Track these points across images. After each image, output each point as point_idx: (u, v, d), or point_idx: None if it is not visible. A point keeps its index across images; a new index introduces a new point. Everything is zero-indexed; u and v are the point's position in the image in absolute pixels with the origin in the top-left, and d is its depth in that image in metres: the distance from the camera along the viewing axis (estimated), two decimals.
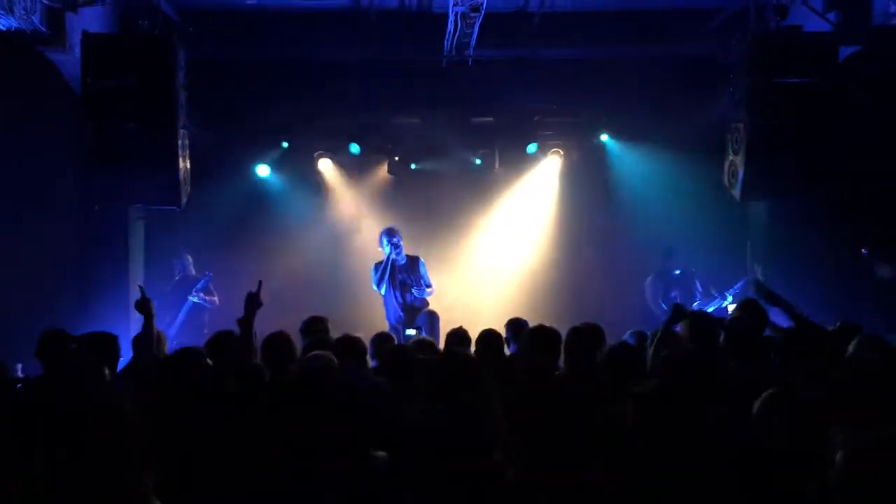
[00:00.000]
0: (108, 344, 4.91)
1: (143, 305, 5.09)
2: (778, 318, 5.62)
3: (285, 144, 10.32)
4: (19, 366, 5.14)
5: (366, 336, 5.46)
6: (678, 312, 5.02)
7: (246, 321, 4.86)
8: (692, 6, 8.60)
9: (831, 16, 7.72)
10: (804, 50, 7.52)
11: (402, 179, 10.65)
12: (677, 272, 9.11)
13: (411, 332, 8.27)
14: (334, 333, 5.57)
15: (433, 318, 8.32)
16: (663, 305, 8.96)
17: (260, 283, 5.08)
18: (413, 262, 8.75)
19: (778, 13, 7.69)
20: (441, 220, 10.57)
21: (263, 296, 5.03)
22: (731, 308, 6.99)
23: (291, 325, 5.37)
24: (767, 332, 5.36)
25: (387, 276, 8.59)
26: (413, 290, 8.60)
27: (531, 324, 5.82)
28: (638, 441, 3.08)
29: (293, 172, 10.59)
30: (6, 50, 6.97)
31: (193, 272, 9.32)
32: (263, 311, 5.09)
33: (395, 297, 8.67)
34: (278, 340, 4.76)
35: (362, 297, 9.65)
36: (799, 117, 7.51)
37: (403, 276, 8.67)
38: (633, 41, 8.76)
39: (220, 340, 4.80)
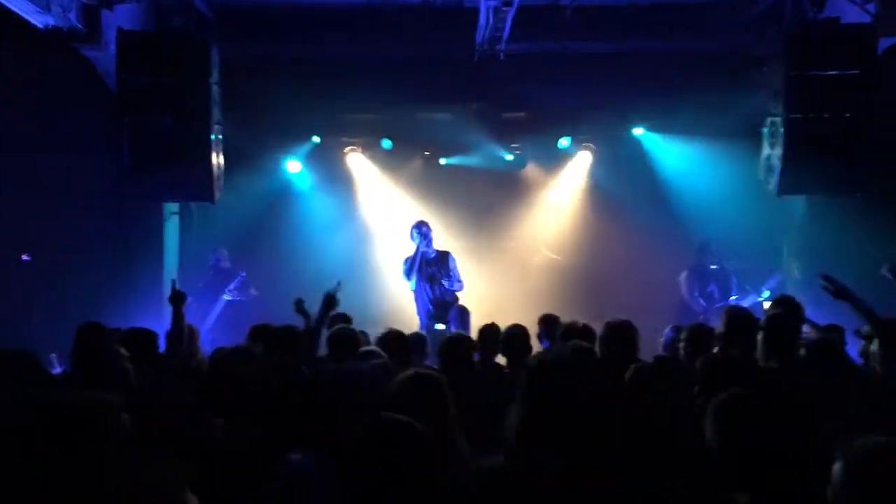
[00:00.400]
0: (148, 340, 4.95)
1: (176, 299, 5.15)
2: (814, 315, 5.54)
3: (316, 139, 10.36)
4: (54, 356, 5.20)
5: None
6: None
7: (320, 318, 5.06)
8: None
9: (870, 7, 7.56)
10: (842, 42, 7.37)
11: (432, 175, 10.65)
12: (713, 267, 9.01)
13: (440, 326, 8.29)
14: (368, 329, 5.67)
15: (464, 313, 8.30)
16: (701, 301, 8.88)
17: (339, 282, 5.26)
18: (443, 256, 8.74)
19: (815, 4, 7.56)
20: (472, 215, 10.56)
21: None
22: (766, 305, 6.87)
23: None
24: (805, 330, 5.28)
25: (416, 268, 8.59)
26: (443, 282, 8.58)
27: (563, 319, 5.83)
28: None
29: (324, 168, 10.65)
30: (43, 47, 7.07)
31: (229, 265, 9.41)
32: (289, 307, 5.21)
33: (425, 290, 8.66)
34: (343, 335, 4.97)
35: (393, 292, 9.67)
36: (837, 111, 7.38)
37: (433, 270, 8.66)
38: (667, 34, 8.64)
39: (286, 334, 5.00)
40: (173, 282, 5.42)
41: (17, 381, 3.63)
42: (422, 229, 8.66)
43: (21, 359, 4.16)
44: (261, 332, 5.21)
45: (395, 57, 9.13)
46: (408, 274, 8.67)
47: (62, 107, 7.82)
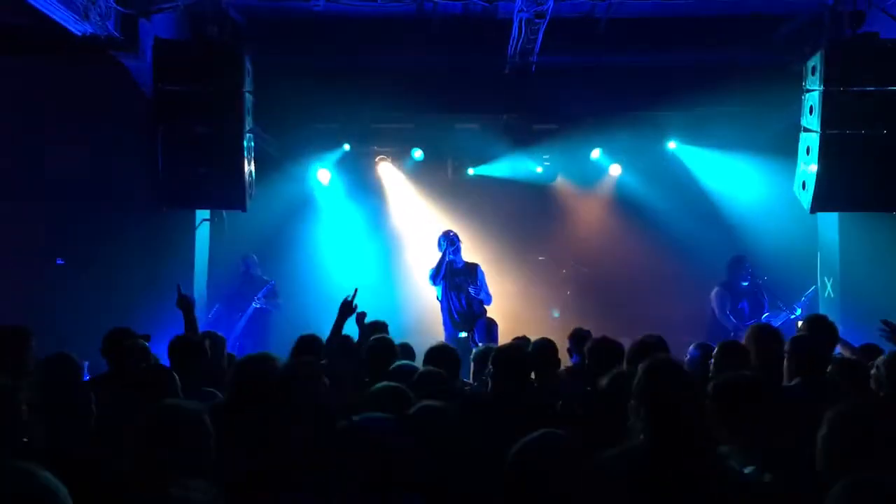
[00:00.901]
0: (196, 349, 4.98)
1: (182, 305, 5.19)
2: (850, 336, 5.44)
3: (347, 147, 10.42)
4: (87, 364, 5.24)
5: (422, 341, 5.52)
6: None
7: (336, 325, 5.11)
8: (764, 12, 8.38)
9: None
10: (881, 57, 7.26)
11: (461, 185, 10.65)
12: (745, 283, 8.88)
13: (463, 334, 8.28)
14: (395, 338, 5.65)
15: (491, 325, 8.28)
16: (731, 318, 8.75)
17: (356, 290, 5.33)
18: (472, 268, 8.72)
19: (854, 19, 7.45)
20: (501, 226, 10.54)
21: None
22: (800, 323, 6.77)
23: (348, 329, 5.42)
24: (838, 351, 5.18)
25: (441, 275, 8.57)
26: (469, 289, 8.54)
27: (594, 334, 5.78)
28: None
29: (354, 177, 10.70)
30: (81, 55, 7.15)
31: (259, 272, 9.47)
32: (321, 315, 5.21)
33: (452, 300, 8.64)
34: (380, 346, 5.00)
35: (420, 301, 9.67)
36: (874, 126, 7.27)
37: (460, 280, 8.63)
38: (701, 48, 8.57)
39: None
40: (178, 286, 5.44)
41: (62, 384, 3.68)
42: (449, 236, 8.68)
43: (66, 362, 4.24)
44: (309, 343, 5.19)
45: (427, 67, 9.15)
46: (433, 279, 8.66)
47: (98, 114, 7.91)
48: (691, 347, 5.43)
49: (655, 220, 10.31)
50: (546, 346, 5.42)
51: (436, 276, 8.67)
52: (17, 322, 4.78)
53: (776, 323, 7.89)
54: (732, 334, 8.34)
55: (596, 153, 10.37)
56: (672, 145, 10.22)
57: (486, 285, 8.69)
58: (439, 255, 8.70)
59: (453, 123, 10.32)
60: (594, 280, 10.63)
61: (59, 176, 7.91)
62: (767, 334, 4.93)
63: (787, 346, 4.55)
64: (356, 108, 9.72)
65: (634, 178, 10.51)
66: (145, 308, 7.51)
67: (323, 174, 10.55)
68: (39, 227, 7.90)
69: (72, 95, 7.84)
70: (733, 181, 9.72)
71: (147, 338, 5.30)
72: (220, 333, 5.86)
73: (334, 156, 10.54)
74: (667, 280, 10.07)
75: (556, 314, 10.62)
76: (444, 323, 8.73)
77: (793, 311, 8.47)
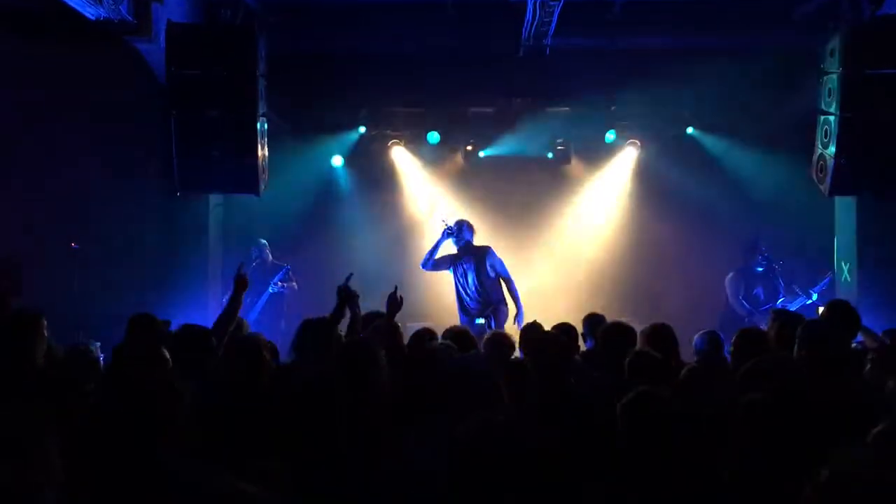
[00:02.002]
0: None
1: (239, 281, 5.23)
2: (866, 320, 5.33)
3: (362, 129, 10.40)
4: (98, 344, 5.28)
5: (436, 327, 5.52)
6: None
7: (336, 312, 5.17)
8: None
9: None
10: None
11: (474, 169, 10.62)
12: (760, 269, 8.81)
13: (480, 321, 8.25)
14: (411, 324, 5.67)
15: (499, 310, 8.29)
16: (745, 303, 8.69)
17: (350, 274, 5.38)
18: (481, 251, 8.58)
19: (873, 1, 7.35)
20: (515, 210, 10.51)
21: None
22: (820, 309, 6.69)
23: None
24: (859, 339, 5.10)
25: (432, 261, 8.58)
26: (481, 277, 8.44)
27: (607, 317, 5.76)
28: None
29: (367, 161, 10.67)
30: (94, 39, 7.16)
31: (270, 258, 9.47)
32: (332, 300, 5.23)
33: (459, 287, 8.58)
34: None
35: (434, 287, 9.66)
36: (892, 110, 7.17)
37: (466, 265, 8.55)
38: (717, 30, 8.49)
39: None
40: (241, 264, 5.45)
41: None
42: (448, 224, 8.59)
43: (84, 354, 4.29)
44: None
45: (441, 50, 9.11)
46: (423, 264, 8.63)
47: (112, 98, 7.92)
48: (696, 337, 5.27)
49: (671, 203, 10.23)
50: (567, 331, 5.41)
51: (425, 263, 8.65)
52: (32, 306, 4.80)
53: (792, 308, 7.82)
54: (746, 320, 8.30)
55: (610, 135, 10.28)
56: (688, 129, 10.13)
57: (502, 266, 8.57)
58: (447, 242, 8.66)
59: (467, 107, 10.27)
60: (608, 263, 10.57)
61: (73, 161, 7.94)
62: (788, 319, 4.85)
63: (799, 332, 4.41)
64: (369, 93, 9.69)
65: (649, 161, 10.43)
66: (159, 292, 7.55)
67: (336, 159, 10.54)
68: (54, 212, 7.94)
69: (85, 80, 7.85)
70: (749, 165, 9.63)
71: (168, 323, 5.32)
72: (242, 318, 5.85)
73: (349, 140, 10.52)
74: (682, 263, 10.01)
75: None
76: (458, 311, 8.68)
77: (809, 296, 8.40)
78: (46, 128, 7.93)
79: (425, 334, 5.29)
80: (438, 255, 8.65)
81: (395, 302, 5.23)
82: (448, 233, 8.50)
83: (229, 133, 7.40)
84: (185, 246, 8.48)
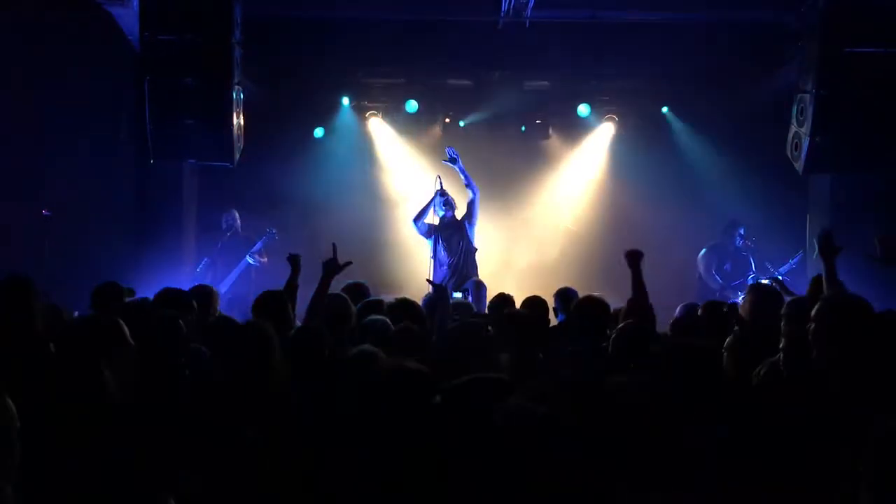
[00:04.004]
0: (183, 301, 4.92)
1: (329, 265, 5.13)
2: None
3: (346, 101, 10.32)
4: (76, 313, 5.23)
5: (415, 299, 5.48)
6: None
7: (321, 285, 4.98)
8: None
9: None
10: (879, 18, 7.21)
11: (453, 141, 10.55)
12: (738, 244, 8.93)
13: (458, 295, 8.25)
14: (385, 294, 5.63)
15: (480, 287, 8.28)
16: (717, 277, 8.82)
17: (333, 244, 5.28)
18: (461, 223, 8.64)
19: None
20: (492, 183, 10.46)
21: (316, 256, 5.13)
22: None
23: (337, 286, 5.40)
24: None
25: (423, 221, 8.56)
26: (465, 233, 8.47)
27: (581, 293, 5.77)
28: None
29: (346, 132, 10.59)
30: (65, 2, 7.03)
31: (240, 228, 9.35)
32: (313, 271, 5.16)
33: (439, 253, 8.58)
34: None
35: (412, 257, 9.65)
36: (870, 89, 7.22)
37: (449, 235, 8.57)
38: (697, 5, 8.45)
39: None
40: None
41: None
42: (441, 188, 8.62)
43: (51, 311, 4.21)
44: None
45: (419, 21, 9.01)
46: (415, 221, 8.65)
47: (85, 64, 7.80)
48: (679, 308, 5.42)
49: (647, 180, 10.23)
50: (537, 304, 5.42)
51: (416, 218, 8.64)
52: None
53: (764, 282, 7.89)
54: (718, 294, 8.40)
55: (584, 108, 10.27)
56: (665, 107, 10.15)
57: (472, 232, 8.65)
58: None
59: (445, 79, 10.21)
60: (583, 238, 10.60)
61: (46, 127, 7.82)
62: (765, 294, 4.88)
63: (784, 309, 4.40)
64: (347, 63, 9.59)
65: (627, 137, 10.42)
66: (132, 260, 7.49)
67: (316, 129, 10.45)
68: (25, 179, 7.83)
69: (58, 45, 7.71)
70: (725, 142, 9.67)
71: (131, 291, 5.27)
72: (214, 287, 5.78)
73: (327, 111, 10.43)
74: (657, 239, 10.02)
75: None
76: (434, 275, 8.67)
77: (779, 272, 8.49)
78: (15, 93, 7.79)
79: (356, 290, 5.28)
80: (427, 219, 8.67)
81: (329, 264, 5.13)
82: (441, 193, 8.50)
83: (204, 101, 7.31)
84: (158, 213, 8.40)
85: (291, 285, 5.08)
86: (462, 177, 8.63)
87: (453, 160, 8.65)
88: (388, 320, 4.48)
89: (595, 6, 8.62)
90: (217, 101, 7.37)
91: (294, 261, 5.19)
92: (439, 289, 5.42)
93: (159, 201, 8.48)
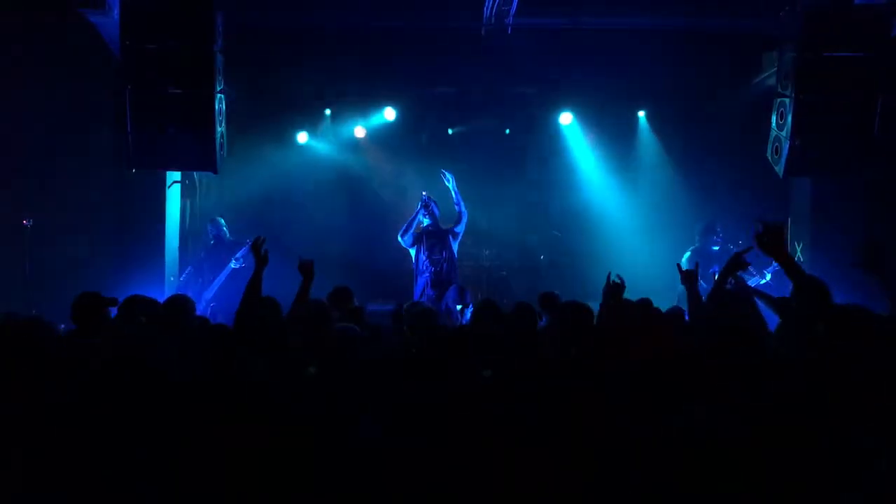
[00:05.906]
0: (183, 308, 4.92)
1: (302, 269, 5.21)
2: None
3: (328, 112, 10.32)
4: (62, 326, 5.18)
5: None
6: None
7: (301, 290, 5.11)
8: None
9: None
10: (855, 23, 7.28)
11: (436, 148, 10.59)
12: (716, 248, 8.95)
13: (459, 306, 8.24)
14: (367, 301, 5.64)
15: (464, 291, 8.28)
16: (702, 282, 8.83)
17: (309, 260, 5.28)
18: (445, 233, 8.66)
19: None
20: (476, 188, 10.49)
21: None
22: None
23: (322, 293, 5.42)
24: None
25: (411, 233, 8.53)
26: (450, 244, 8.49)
27: (563, 297, 5.80)
28: None
29: (331, 139, 10.59)
30: (46, 10, 7.00)
31: (227, 236, 9.33)
32: (295, 279, 5.17)
33: (422, 262, 8.57)
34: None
35: (397, 265, 9.65)
36: (848, 93, 7.29)
37: (433, 244, 8.57)
38: (678, 12, 8.50)
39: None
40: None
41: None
42: (424, 199, 8.61)
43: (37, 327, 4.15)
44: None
45: (403, 28, 9.02)
46: (401, 235, 8.60)
47: (66, 73, 7.76)
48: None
49: (629, 185, 10.32)
50: (528, 312, 5.44)
51: (403, 234, 8.63)
52: None
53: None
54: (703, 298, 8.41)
55: (567, 116, 10.34)
56: (641, 114, 10.24)
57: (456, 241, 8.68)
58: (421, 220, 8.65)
59: (428, 86, 10.24)
60: (565, 244, 10.65)
61: (26, 136, 7.77)
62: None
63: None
64: (332, 71, 9.58)
65: (609, 142, 10.50)
66: (113, 270, 7.44)
67: (301, 137, 10.45)
68: (5, 189, 7.77)
69: (37, 52, 7.67)
70: (706, 146, 9.74)
71: (114, 301, 5.23)
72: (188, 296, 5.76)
73: (314, 119, 10.44)
74: (639, 245, 10.10)
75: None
76: (417, 284, 8.67)
77: (763, 276, 8.54)
78: None
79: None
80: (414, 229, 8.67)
81: (303, 268, 5.18)
82: (425, 205, 8.50)
83: (185, 109, 7.27)
84: (140, 223, 8.34)
85: (302, 297, 5.09)
86: (453, 195, 8.61)
87: (447, 180, 8.62)
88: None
89: (576, 14, 8.66)
90: (200, 110, 7.32)
91: (306, 268, 5.19)
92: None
93: (142, 210, 8.43)
